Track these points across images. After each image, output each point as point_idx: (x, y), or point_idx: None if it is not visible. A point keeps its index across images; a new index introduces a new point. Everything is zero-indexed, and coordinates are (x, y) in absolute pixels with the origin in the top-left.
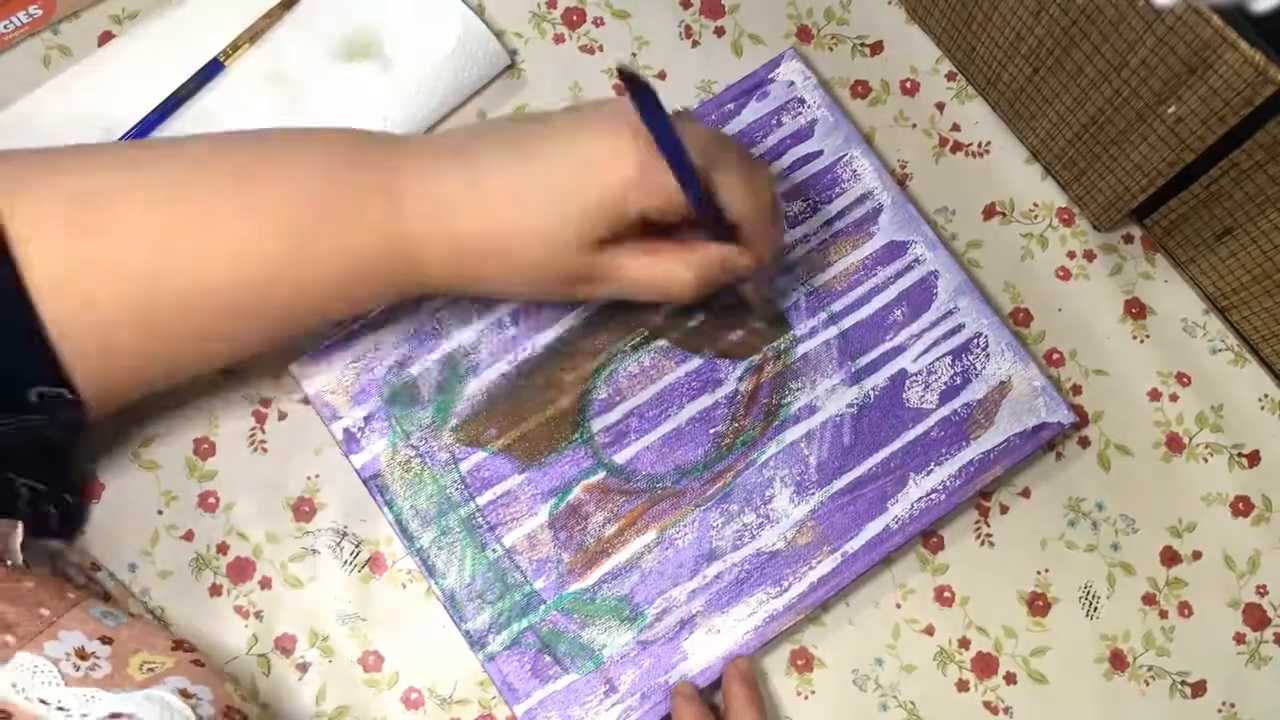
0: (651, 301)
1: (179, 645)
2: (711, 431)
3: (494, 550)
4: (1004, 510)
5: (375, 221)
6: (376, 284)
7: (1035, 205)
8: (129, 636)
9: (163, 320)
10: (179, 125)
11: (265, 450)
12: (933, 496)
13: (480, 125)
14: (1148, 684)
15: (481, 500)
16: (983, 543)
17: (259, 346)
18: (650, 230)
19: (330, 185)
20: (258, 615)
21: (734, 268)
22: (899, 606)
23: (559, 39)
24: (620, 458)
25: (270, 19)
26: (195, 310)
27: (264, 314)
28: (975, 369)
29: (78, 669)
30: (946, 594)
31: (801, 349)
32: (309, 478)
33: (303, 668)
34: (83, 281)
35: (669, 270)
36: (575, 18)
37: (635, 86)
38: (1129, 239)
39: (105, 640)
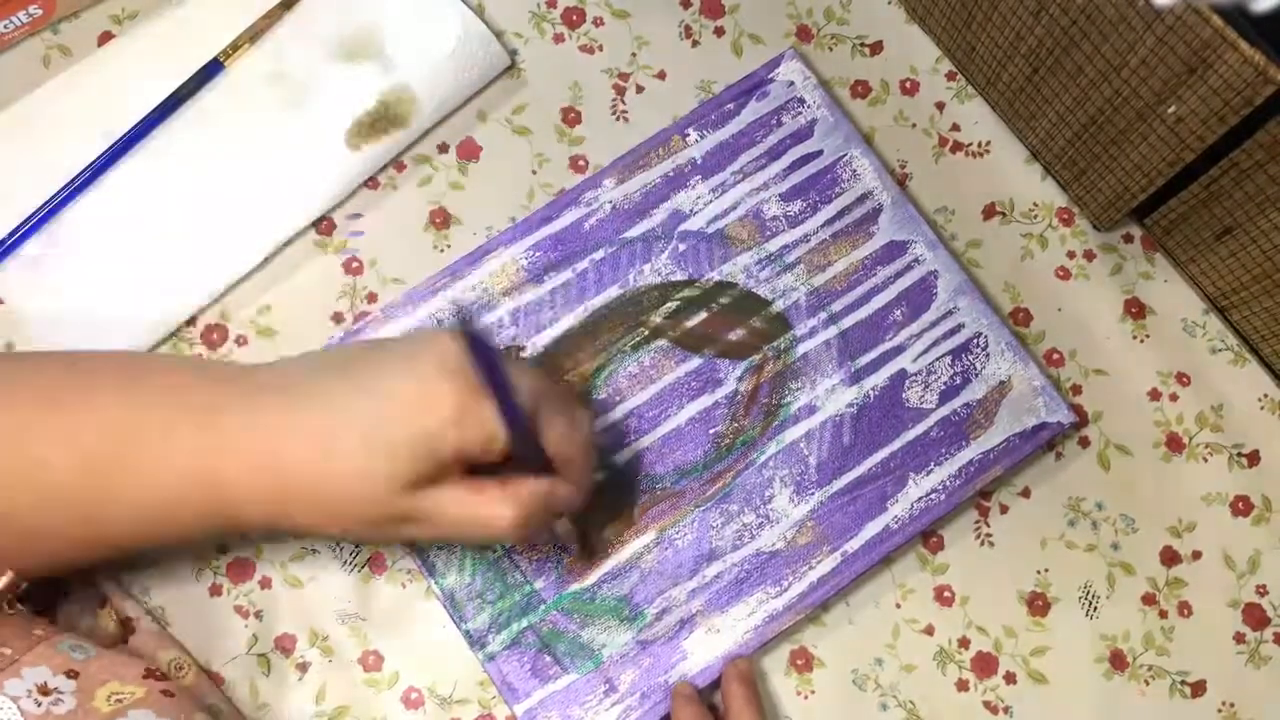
0: (474, 541)
1: (150, 674)
2: (711, 431)
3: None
4: (1004, 510)
5: (182, 456)
6: (184, 520)
7: (1035, 205)
8: (98, 668)
9: None
10: (179, 125)
11: None
12: (933, 496)
13: (314, 355)
14: (1148, 684)
15: None
16: (983, 543)
17: (64, 568)
18: (471, 468)
19: (135, 417)
20: (258, 615)
21: (557, 503)
22: (899, 606)
23: (559, 39)
24: (620, 458)
25: (270, 19)
26: None
27: (62, 539)
28: (975, 369)
29: (39, 705)
30: (946, 594)
31: (801, 349)
32: None
33: (303, 668)
34: None
35: (491, 510)
36: (575, 18)
37: (469, 331)
38: (1129, 239)
39: (71, 674)
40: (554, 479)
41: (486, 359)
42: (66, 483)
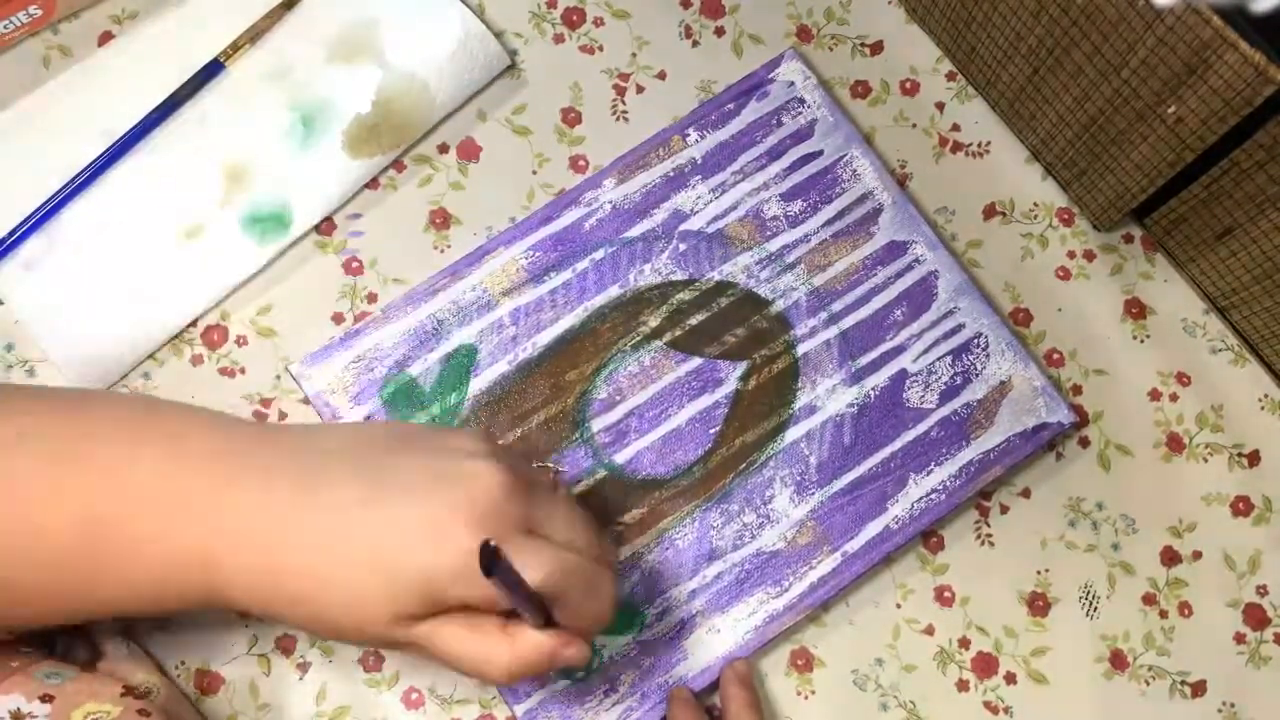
0: (466, 675)
1: (129, 692)
2: (711, 431)
3: None
4: (1004, 510)
5: (183, 529)
6: (173, 596)
7: (1035, 205)
8: (74, 690)
9: None
10: (179, 125)
11: None
12: (933, 496)
13: (343, 429)
14: (1148, 684)
15: None
16: (983, 543)
17: (52, 620)
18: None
19: (145, 482)
20: None
21: (558, 663)
22: (899, 606)
23: (559, 39)
24: (620, 458)
25: (270, 19)
26: None
27: (57, 597)
28: (975, 369)
29: None
30: (946, 594)
31: (801, 349)
32: None
33: (303, 668)
34: None
35: (489, 652)
36: (575, 18)
37: (485, 556)
38: (1129, 239)
39: (46, 699)
40: (561, 637)
41: (503, 575)
42: (59, 542)
